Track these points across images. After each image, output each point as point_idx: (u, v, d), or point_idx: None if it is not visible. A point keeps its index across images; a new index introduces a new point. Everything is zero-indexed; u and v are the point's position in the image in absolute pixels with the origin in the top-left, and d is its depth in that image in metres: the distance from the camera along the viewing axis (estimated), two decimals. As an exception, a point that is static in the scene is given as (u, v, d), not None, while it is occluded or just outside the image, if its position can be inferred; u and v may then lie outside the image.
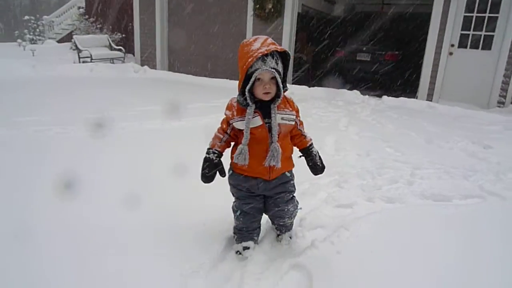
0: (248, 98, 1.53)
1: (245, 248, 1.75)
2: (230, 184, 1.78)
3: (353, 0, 10.07)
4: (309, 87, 7.25)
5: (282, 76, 1.57)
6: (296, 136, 1.77)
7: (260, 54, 1.46)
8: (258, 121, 1.57)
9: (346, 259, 1.71)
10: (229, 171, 1.75)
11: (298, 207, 1.88)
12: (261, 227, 1.90)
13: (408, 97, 6.77)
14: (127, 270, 1.54)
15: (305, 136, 1.79)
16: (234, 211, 1.80)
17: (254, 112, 1.55)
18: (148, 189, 2.33)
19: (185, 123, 4.18)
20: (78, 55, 9.68)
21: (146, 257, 1.64)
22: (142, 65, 9.61)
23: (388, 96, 6.72)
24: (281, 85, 1.52)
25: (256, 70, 1.48)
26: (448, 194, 2.50)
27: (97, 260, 1.61)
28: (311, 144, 1.80)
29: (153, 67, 9.73)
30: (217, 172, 1.70)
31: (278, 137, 1.60)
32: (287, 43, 8.22)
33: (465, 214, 2.25)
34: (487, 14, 6.52)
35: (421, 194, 2.50)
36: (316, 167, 1.77)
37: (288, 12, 8.02)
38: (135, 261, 1.61)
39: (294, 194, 1.84)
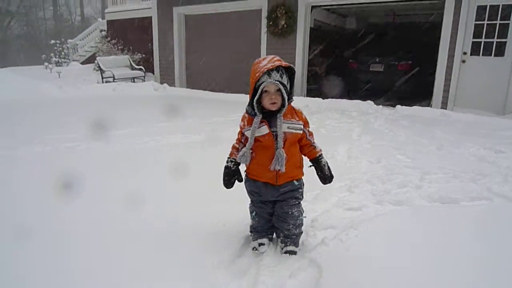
0: (255, 108, 1.71)
1: (261, 244, 1.91)
2: (246, 188, 1.96)
3: (365, 13, 10.26)
4: (323, 99, 7.43)
5: (288, 88, 1.74)
6: (305, 146, 1.89)
7: (266, 69, 1.65)
8: (265, 129, 1.73)
9: (354, 256, 1.86)
10: (245, 177, 1.93)
11: (303, 215, 1.98)
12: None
13: (423, 106, 6.86)
14: (156, 264, 1.75)
15: (315, 147, 1.90)
16: (250, 212, 1.98)
17: (261, 122, 1.72)
18: (173, 195, 2.55)
19: (207, 137, 4.42)
20: (101, 75, 10.19)
21: (173, 253, 1.84)
22: (161, 83, 10.03)
23: (402, 105, 6.83)
24: (286, 96, 1.69)
25: (262, 82, 1.67)
26: (455, 197, 2.61)
27: (136, 256, 1.82)
28: (321, 155, 1.91)
29: (172, 84, 10.14)
30: (237, 179, 1.89)
31: (284, 145, 1.75)
32: (301, 57, 8.47)
33: (471, 215, 2.36)
34: (498, 21, 6.58)
35: (428, 197, 2.63)
36: (325, 176, 1.89)
37: (300, 27, 8.30)
38: (164, 256, 1.82)
39: (301, 202, 1.95)
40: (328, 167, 1.92)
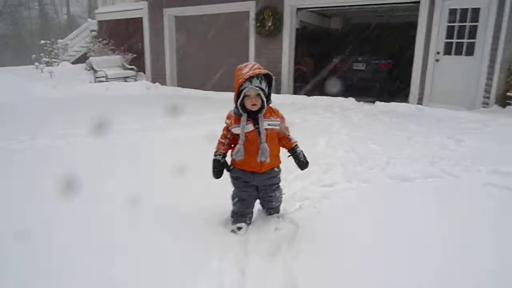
0: (240, 109, 2.04)
1: (239, 228, 2.20)
2: (231, 177, 2.25)
3: (348, 14, 10.83)
4: (308, 96, 7.95)
5: (267, 92, 2.06)
6: (282, 139, 2.19)
7: (248, 76, 1.96)
8: (250, 127, 2.05)
9: (324, 216, 2.37)
10: (230, 167, 2.22)
11: (283, 193, 2.37)
12: (253, 214, 2.32)
13: (401, 102, 7.43)
14: (170, 243, 2.21)
15: (291, 139, 2.20)
16: (233, 198, 2.27)
17: (247, 120, 2.04)
18: (169, 186, 3.02)
19: (199, 132, 4.85)
20: (94, 75, 10.54)
21: (171, 237, 2.27)
22: (153, 82, 10.43)
23: (381, 101, 7.39)
24: (264, 99, 2.01)
25: (244, 88, 1.99)
26: (413, 176, 3.14)
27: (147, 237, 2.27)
28: (296, 145, 2.20)
29: (163, 83, 10.55)
30: (224, 169, 2.17)
31: (266, 139, 2.07)
32: (287, 56, 8.98)
33: (421, 189, 2.91)
34: (468, 23, 7.20)
35: (390, 176, 3.15)
36: (301, 163, 2.20)
37: (286, 28, 8.80)
38: (168, 232, 2.28)
39: (280, 184, 2.32)
40: (304, 155, 2.21)
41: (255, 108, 2.03)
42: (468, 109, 7.13)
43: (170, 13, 10.66)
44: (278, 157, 2.24)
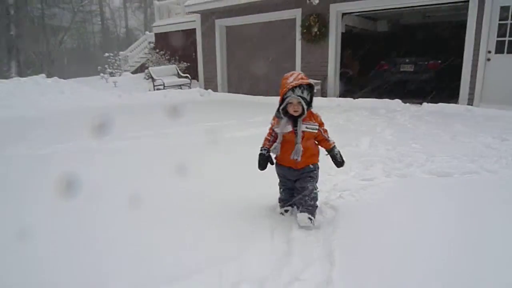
0: (281, 113, 2.36)
1: (286, 210, 2.59)
2: (276, 171, 2.60)
3: (395, 16, 10.85)
4: (354, 99, 8.17)
5: (307, 100, 2.33)
6: (321, 141, 2.48)
7: (291, 86, 2.26)
8: (289, 128, 2.35)
9: (362, 204, 2.72)
10: (275, 163, 2.55)
11: (317, 190, 2.50)
12: None
13: (450, 103, 7.41)
14: (210, 228, 2.68)
15: (329, 141, 2.48)
16: (279, 187, 2.64)
17: (288, 123, 2.35)
18: (226, 175, 3.50)
19: (249, 133, 5.35)
20: (153, 83, 11.52)
21: (229, 219, 2.76)
22: (205, 88, 11.18)
23: (428, 103, 7.42)
24: (305, 106, 2.31)
25: (288, 96, 2.30)
26: (450, 171, 3.36)
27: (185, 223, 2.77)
28: (334, 146, 2.49)
29: (215, 90, 11.26)
30: (268, 162, 2.49)
31: (302, 140, 2.35)
32: (333, 60, 9.26)
33: (459, 184, 3.13)
34: (521, 20, 7.04)
35: (428, 171, 3.39)
36: (337, 162, 2.50)
37: (332, 33, 9.09)
38: (218, 217, 2.75)
39: (314, 180, 2.48)
40: (340, 155, 2.50)
41: (296, 114, 2.34)
42: (523, 109, 6.96)
43: (221, 23, 11.38)
44: (315, 156, 2.50)
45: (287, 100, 2.30)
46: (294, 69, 9.62)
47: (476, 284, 1.76)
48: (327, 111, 6.84)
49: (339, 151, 2.52)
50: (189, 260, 2.02)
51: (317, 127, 2.41)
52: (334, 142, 2.51)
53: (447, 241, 2.16)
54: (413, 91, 8.92)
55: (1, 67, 17.57)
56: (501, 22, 7.24)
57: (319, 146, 2.52)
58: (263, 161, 2.50)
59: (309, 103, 2.37)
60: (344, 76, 9.87)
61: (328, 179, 3.19)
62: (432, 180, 3.22)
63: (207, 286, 1.79)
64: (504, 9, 7.19)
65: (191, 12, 11.71)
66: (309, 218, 2.34)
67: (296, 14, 9.60)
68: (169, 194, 2.99)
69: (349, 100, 8.20)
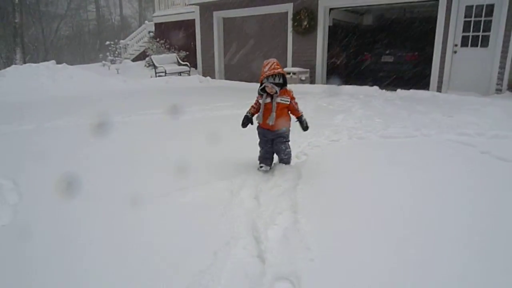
0: (262, 92, 3.23)
1: (261, 166, 3.40)
2: (257, 132, 3.43)
3: (378, 11, 12.00)
4: (338, 85, 9.34)
5: (281, 82, 3.16)
6: (293, 110, 3.31)
7: (266, 75, 3.10)
8: (267, 100, 3.21)
9: (325, 153, 3.90)
10: (257, 127, 3.41)
11: (289, 149, 3.38)
12: (273, 161, 3.47)
13: (422, 90, 8.60)
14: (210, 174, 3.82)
15: (298, 110, 3.32)
16: (260, 147, 3.47)
17: (267, 97, 3.22)
18: (218, 143, 4.65)
19: (243, 111, 6.48)
20: (155, 70, 12.58)
21: (220, 170, 3.90)
22: (204, 76, 12.28)
23: (402, 89, 8.62)
24: (277, 89, 3.14)
25: (264, 83, 3.15)
26: (396, 135, 4.56)
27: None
28: (302, 115, 3.35)
29: (213, 77, 12.36)
30: (249, 123, 3.34)
31: (277, 109, 3.18)
32: (321, 51, 10.40)
33: (399, 143, 4.33)
34: (483, 18, 8.24)
35: (380, 136, 4.59)
36: (303, 127, 3.35)
37: (320, 27, 10.23)
38: (217, 170, 3.90)
39: (287, 141, 3.36)
40: (306, 122, 3.35)
41: (271, 93, 3.23)
42: (483, 95, 8.19)
43: (218, 15, 12.44)
44: (286, 121, 3.32)
45: (264, 85, 3.21)
46: (286, 58, 10.80)
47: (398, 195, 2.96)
48: (313, 96, 8.01)
49: (305, 119, 3.37)
50: (204, 177, 3.19)
51: (289, 100, 3.26)
52: (302, 112, 3.39)
53: (382, 175, 3.34)
54: (392, 80, 10.11)
55: (7, 54, 18.37)
56: (466, 19, 8.44)
57: (291, 115, 3.39)
58: (246, 121, 3.37)
59: (283, 84, 3.24)
60: (331, 66, 11.02)
61: (305, 140, 4.35)
62: (381, 140, 4.42)
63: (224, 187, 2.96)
64: (468, 8, 8.38)
65: (191, 4, 12.73)
66: (287, 163, 3.44)
67: (288, 8, 10.70)
68: (181, 153, 4.15)
69: (334, 87, 9.36)
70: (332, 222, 2.37)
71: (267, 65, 3.20)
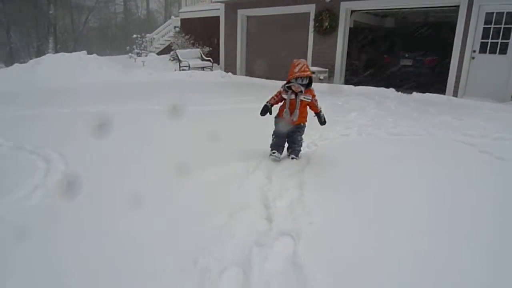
0: (287, 89, 3.54)
1: (274, 153, 3.66)
2: (275, 123, 3.74)
3: (399, 14, 12.20)
4: (355, 86, 9.65)
5: (306, 83, 3.46)
6: (312, 106, 3.61)
7: (296, 76, 3.39)
8: (292, 96, 3.51)
9: (334, 145, 4.29)
10: (276, 117, 3.74)
11: (303, 140, 3.77)
12: (283, 150, 3.76)
13: (439, 94, 8.82)
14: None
15: (317, 107, 3.62)
16: (273, 134, 3.76)
17: (292, 93, 3.52)
18: (238, 131, 5.07)
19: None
20: (179, 64, 13.14)
21: (231, 160, 4.33)
22: (225, 71, 12.76)
23: (418, 92, 8.86)
24: (303, 89, 3.45)
25: (292, 83, 3.45)
26: (404, 133, 4.90)
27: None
28: (320, 111, 3.65)
29: (234, 73, 12.83)
30: (268, 112, 3.65)
31: (300, 106, 3.50)
32: (340, 52, 10.72)
33: (405, 140, 4.68)
34: (502, 25, 8.40)
35: (389, 133, 4.93)
36: (321, 121, 3.66)
37: (341, 28, 10.54)
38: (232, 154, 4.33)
39: (302, 134, 3.72)
40: (324, 117, 3.67)
41: (297, 91, 3.55)
42: (499, 101, 8.35)
43: (242, 13, 12.89)
44: (305, 118, 3.71)
45: (291, 84, 3.52)
46: (306, 57, 11.15)
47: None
48: (330, 95, 8.36)
49: (323, 115, 3.70)
50: (225, 159, 3.63)
51: (310, 98, 3.57)
52: (321, 108, 3.70)
53: (382, 165, 3.71)
54: (410, 83, 10.33)
55: (38, 44, 19.40)
56: (485, 26, 8.61)
57: (310, 110, 3.71)
58: (265, 110, 3.67)
59: (308, 85, 3.55)
60: (351, 67, 11.32)
61: (317, 133, 4.74)
62: (389, 137, 4.77)
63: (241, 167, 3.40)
64: (489, 15, 8.55)
65: (216, 1, 13.22)
66: (294, 157, 3.73)
67: (310, 9, 11.05)
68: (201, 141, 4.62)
69: (351, 87, 9.68)
70: (333, 197, 2.78)
71: (297, 65, 3.45)
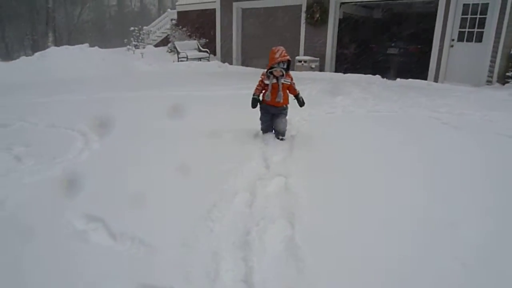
0: (269, 74, 3.91)
1: (264, 133, 4.16)
2: (260, 108, 4.11)
3: (387, 5, 12.99)
4: (344, 73, 10.47)
5: (286, 67, 3.87)
6: (291, 89, 4.01)
7: (278, 61, 3.78)
8: (274, 80, 3.87)
9: (320, 120, 5.12)
10: (260, 102, 4.10)
11: (287, 123, 4.16)
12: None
13: (421, 80, 9.66)
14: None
15: (295, 89, 4.02)
16: (260, 120, 4.18)
17: (273, 78, 3.88)
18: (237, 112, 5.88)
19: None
20: (177, 56, 13.87)
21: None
22: (222, 62, 13.52)
23: (401, 78, 9.70)
24: (284, 72, 3.83)
25: (274, 67, 3.83)
26: (381, 110, 5.74)
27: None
28: (299, 93, 4.04)
29: (230, 63, 13.59)
30: (258, 103, 4.07)
31: (282, 88, 3.88)
32: (330, 42, 11.52)
33: (381, 116, 5.52)
34: (478, 16, 9.25)
35: (368, 111, 5.77)
36: (300, 103, 4.03)
37: (331, 20, 11.33)
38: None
39: (286, 115, 4.09)
40: (302, 99, 4.05)
41: (278, 75, 3.93)
42: (475, 86, 9.22)
43: (238, 6, 13.62)
44: (287, 99, 4.07)
45: (274, 69, 3.90)
46: (298, 47, 11.94)
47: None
48: (320, 82, 9.17)
49: (301, 97, 4.10)
50: (231, 128, 4.44)
51: (289, 81, 3.99)
52: (299, 91, 4.11)
53: (360, 134, 4.55)
54: (396, 70, 11.18)
55: (34, 37, 19.91)
56: (463, 16, 9.45)
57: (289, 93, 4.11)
58: (255, 102, 4.11)
59: (287, 69, 3.95)
60: (341, 56, 12.12)
61: (305, 111, 5.53)
62: (367, 114, 5.61)
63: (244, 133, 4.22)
64: (466, 6, 9.39)
65: (212, -6, 13.94)
66: (282, 138, 4.13)
67: (302, 1, 11.82)
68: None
69: (340, 74, 10.51)
70: (315, 152, 3.64)
71: (277, 51, 3.87)
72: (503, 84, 8.98)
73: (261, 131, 4.30)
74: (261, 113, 4.21)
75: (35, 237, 2.15)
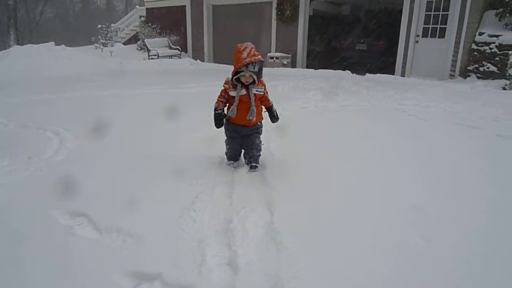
0: (235, 82, 2.91)
1: (231, 163, 3.22)
2: (225, 129, 3.12)
3: (355, 2, 13.40)
4: (315, 69, 10.75)
5: (257, 72, 2.88)
6: (264, 100, 3.09)
7: (245, 63, 2.77)
8: (243, 91, 2.90)
9: (294, 114, 5.32)
10: (225, 122, 3.08)
11: (262, 143, 3.20)
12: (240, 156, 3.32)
13: (388, 75, 10.07)
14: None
15: (269, 100, 3.12)
16: (226, 144, 3.23)
17: (242, 87, 2.89)
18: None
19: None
20: (148, 53, 13.75)
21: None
22: (194, 59, 13.52)
23: (370, 73, 10.08)
24: (255, 78, 2.87)
25: (242, 71, 2.84)
26: (350, 105, 6.00)
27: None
28: (272, 105, 3.14)
29: (202, 60, 13.61)
30: (223, 120, 3.02)
31: (255, 101, 2.92)
32: (301, 38, 11.78)
33: (351, 109, 5.78)
34: (440, 12, 9.73)
35: (338, 105, 6.03)
36: (273, 117, 3.18)
37: (301, 16, 11.58)
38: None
39: (260, 135, 3.16)
40: (276, 112, 3.17)
41: (247, 83, 2.93)
42: (439, 79, 9.71)
43: (208, 2, 13.65)
44: (261, 114, 3.13)
45: (241, 74, 2.87)
46: (270, 44, 12.13)
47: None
48: (293, 78, 9.39)
49: (275, 109, 3.20)
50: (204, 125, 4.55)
51: (263, 90, 3.04)
52: (272, 102, 3.18)
53: (331, 126, 4.78)
54: (365, 66, 11.57)
55: (1, 36, 19.04)
56: (427, 13, 9.91)
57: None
58: (220, 120, 3.02)
59: (258, 73, 2.96)
60: (312, 52, 12.41)
61: (280, 106, 5.70)
62: (338, 108, 5.87)
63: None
64: (429, 3, 9.85)
65: (182, -9, 13.89)
66: (256, 166, 3.14)
67: (272, -2, 12.02)
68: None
69: (312, 70, 10.77)
70: (294, 142, 3.84)
71: (244, 49, 2.89)
72: (465, 77, 9.51)
73: (226, 158, 3.32)
74: (226, 135, 3.24)
75: (21, 234, 2.20)
